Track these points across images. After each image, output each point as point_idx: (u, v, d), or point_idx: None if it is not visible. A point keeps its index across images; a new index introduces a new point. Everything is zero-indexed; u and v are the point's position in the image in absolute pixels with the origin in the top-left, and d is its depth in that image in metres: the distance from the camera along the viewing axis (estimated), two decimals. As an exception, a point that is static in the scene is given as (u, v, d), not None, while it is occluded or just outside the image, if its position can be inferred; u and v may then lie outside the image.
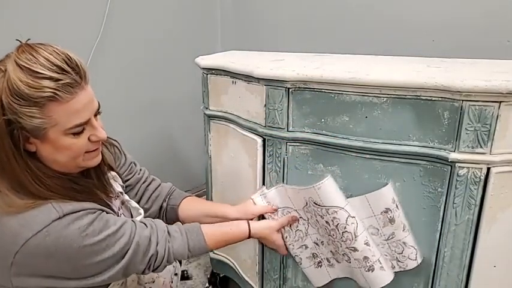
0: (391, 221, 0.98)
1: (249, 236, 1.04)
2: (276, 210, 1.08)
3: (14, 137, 0.74)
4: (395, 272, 1.02)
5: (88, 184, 0.87)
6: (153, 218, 1.00)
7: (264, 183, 1.14)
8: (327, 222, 1.00)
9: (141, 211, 1.02)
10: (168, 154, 1.95)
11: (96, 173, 0.90)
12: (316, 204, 0.99)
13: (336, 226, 0.99)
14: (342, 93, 0.96)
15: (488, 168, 0.85)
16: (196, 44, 1.90)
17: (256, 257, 1.24)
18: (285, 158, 1.08)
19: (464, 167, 0.86)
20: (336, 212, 0.97)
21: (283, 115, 1.04)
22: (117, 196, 0.98)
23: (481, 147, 0.84)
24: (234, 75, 1.17)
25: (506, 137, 0.83)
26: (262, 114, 1.08)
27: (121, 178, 1.04)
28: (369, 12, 1.50)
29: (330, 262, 1.10)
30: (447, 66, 1.04)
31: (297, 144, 1.06)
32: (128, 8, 1.63)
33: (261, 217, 1.13)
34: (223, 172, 1.34)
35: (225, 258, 1.43)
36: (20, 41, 0.76)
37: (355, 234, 0.98)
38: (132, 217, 1.01)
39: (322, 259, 1.10)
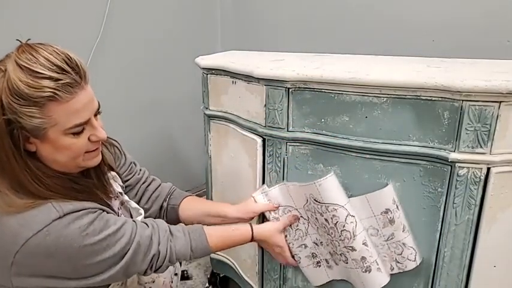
0: (391, 221, 0.98)
1: (252, 239, 1.03)
2: (277, 207, 1.08)
3: (14, 136, 0.74)
4: (394, 273, 1.02)
5: (88, 184, 0.87)
6: (154, 218, 1.00)
7: (264, 183, 1.14)
8: (326, 220, 1.00)
9: (141, 211, 1.02)
10: (168, 154, 1.95)
11: (96, 173, 0.90)
12: (316, 201, 0.99)
13: (335, 224, 0.98)
14: (342, 93, 0.96)
15: (488, 168, 0.85)
16: (196, 44, 1.90)
17: (256, 257, 1.24)
18: (285, 158, 1.08)
19: (464, 167, 0.86)
20: (335, 209, 0.97)
21: (283, 115, 1.04)
22: (117, 196, 0.98)
23: (481, 147, 0.84)
24: (234, 75, 1.17)
25: (506, 137, 0.83)
26: (262, 114, 1.08)
27: (121, 178, 1.04)
28: (369, 12, 1.50)
29: (328, 263, 1.10)
30: (447, 66, 1.04)
31: (297, 144, 1.06)
32: (128, 8, 1.63)
33: (262, 216, 1.13)
34: (223, 172, 1.34)
35: (225, 258, 1.43)
36: (20, 41, 0.76)
37: (353, 233, 0.98)
38: (131, 218, 1.01)
39: (321, 259, 1.10)
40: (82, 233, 0.77)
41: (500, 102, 0.81)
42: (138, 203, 1.07)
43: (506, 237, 0.90)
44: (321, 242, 1.08)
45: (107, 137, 0.86)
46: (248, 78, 1.11)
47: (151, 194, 1.12)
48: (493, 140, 0.83)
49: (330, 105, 0.99)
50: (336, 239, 1.01)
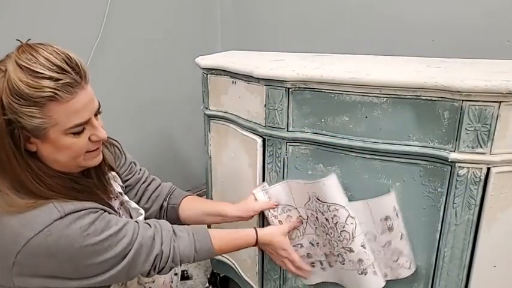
0: (390, 229, 0.98)
1: (257, 242, 1.03)
2: (276, 205, 1.08)
3: (15, 136, 0.74)
4: (387, 280, 1.02)
5: (88, 184, 0.87)
6: (154, 218, 1.00)
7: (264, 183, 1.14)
8: (326, 219, 1.00)
9: (142, 211, 1.01)
10: (168, 154, 1.95)
11: (96, 172, 0.90)
12: (319, 200, 0.99)
13: (335, 224, 0.98)
14: (342, 93, 0.96)
15: (488, 168, 0.85)
16: (196, 44, 1.90)
17: (256, 257, 1.24)
18: (285, 158, 1.08)
19: (464, 167, 0.86)
20: (337, 209, 0.97)
21: (283, 115, 1.04)
22: (117, 197, 0.98)
23: (481, 147, 0.84)
24: (234, 75, 1.17)
25: (506, 137, 0.83)
26: (262, 114, 1.08)
27: (121, 178, 1.04)
28: (369, 12, 1.50)
29: (322, 265, 1.10)
30: (447, 66, 1.05)
31: (297, 144, 1.06)
32: (128, 8, 1.63)
33: (262, 216, 1.13)
34: (223, 172, 1.34)
35: (225, 258, 1.43)
36: (20, 41, 0.76)
37: (353, 234, 0.98)
38: (131, 218, 1.00)
39: (315, 260, 1.10)
40: (83, 233, 0.77)
41: (500, 102, 0.81)
42: (138, 202, 1.07)
43: (506, 237, 0.90)
44: (317, 243, 1.08)
45: (107, 137, 0.86)
46: (248, 78, 1.11)
47: (152, 194, 1.12)
48: (493, 140, 0.83)
49: (330, 105, 0.99)
50: (335, 239, 1.01)
